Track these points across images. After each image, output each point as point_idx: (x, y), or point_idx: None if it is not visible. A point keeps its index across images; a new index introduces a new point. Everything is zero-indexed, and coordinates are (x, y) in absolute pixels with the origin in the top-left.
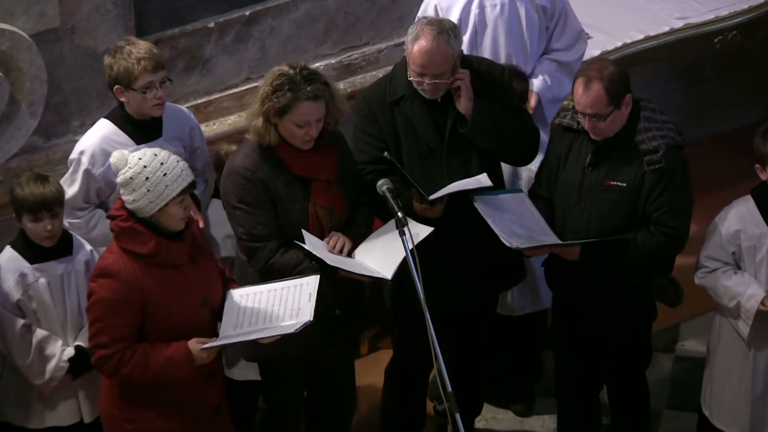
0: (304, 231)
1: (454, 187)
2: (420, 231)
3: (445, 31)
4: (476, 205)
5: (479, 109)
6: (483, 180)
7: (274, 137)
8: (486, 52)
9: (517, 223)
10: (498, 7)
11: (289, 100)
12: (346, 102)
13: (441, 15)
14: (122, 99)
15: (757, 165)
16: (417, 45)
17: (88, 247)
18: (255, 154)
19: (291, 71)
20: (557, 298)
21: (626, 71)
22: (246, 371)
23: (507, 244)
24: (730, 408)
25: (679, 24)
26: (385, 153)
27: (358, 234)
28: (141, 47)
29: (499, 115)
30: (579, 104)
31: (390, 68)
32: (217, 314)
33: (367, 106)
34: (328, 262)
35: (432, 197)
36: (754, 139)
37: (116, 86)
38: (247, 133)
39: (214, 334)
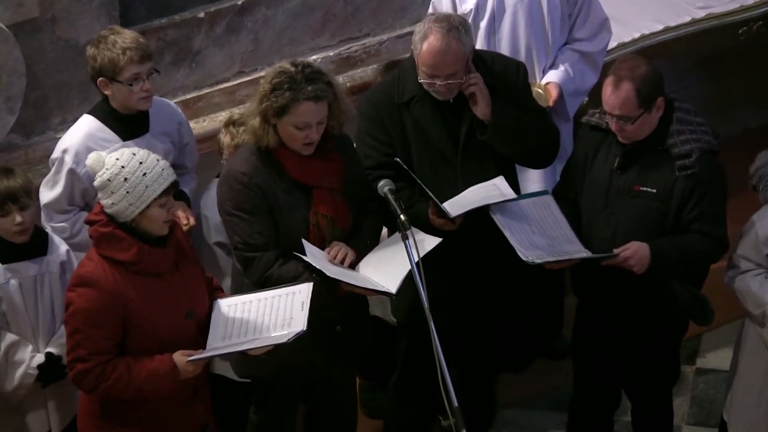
0: (304, 240)
1: (476, 202)
2: (427, 241)
3: (455, 27)
4: (492, 214)
5: (498, 113)
6: (506, 191)
7: (273, 139)
8: (504, 41)
9: (538, 232)
10: None
11: (288, 100)
12: (351, 104)
13: (457, 0)
14: (106, 92)
15: None
16: (426, 44)
17: (65, 247)
18: (253, 157)
19: (292, 69)
20: (581, 310)
21: (660, 72)
22: (222, 363)
23: (523, 258)
24: (747, 421)
25: (701, 14)
26: (396, 158)
27: (362, 245)
28: (126, 36)
29: (519, 117)
30: (607, 104)
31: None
32: (204, 326)
33: (374, 108)
34: (328, 275)
35: (455, 214)
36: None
37: (100, 79)
38: (245, 134)
39: (200, 346)
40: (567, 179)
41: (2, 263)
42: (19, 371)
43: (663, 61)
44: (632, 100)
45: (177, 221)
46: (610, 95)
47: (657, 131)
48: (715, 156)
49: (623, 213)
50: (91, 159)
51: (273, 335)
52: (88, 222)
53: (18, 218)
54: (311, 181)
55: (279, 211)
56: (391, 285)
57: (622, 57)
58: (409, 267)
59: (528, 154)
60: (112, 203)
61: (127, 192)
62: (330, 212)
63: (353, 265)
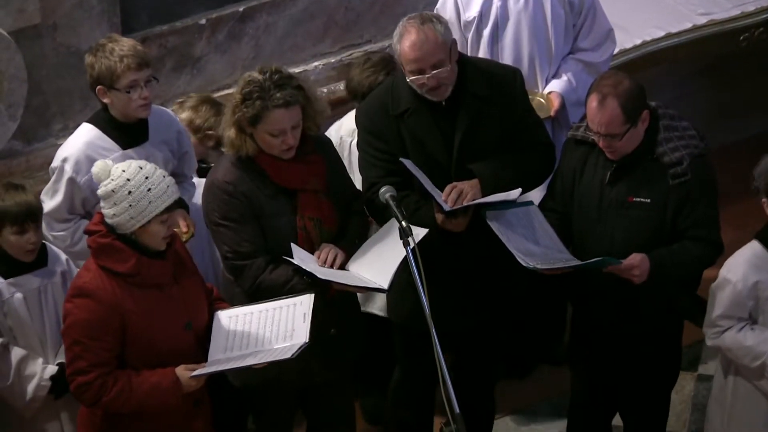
0: (292, 244)
1: (480, 199)
2: (416, 232)
3: (429, 19)
4: (489, 221)
5: (485, 187)
6: (511, 195)
7: (252, 147)
8: (507, 49)
9: (530, 239)
10: (522, 1)
11: (259, 109)
12: (327, 104)
13: (461, 8)
14: (105, 100)
15: (764, 199)
16: (406, 41)
17: (64, 256)
18: (235, 166)
19: (260, 77)
20: (577, 317)
21: (642, 85)
22: None
23: (523, 263)
24: None
25: (703, 20)
26: (401, 159)
27: (350, 245)
28: (124, 44)
29: (511, 171)
30: (593, 123)
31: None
32: (203, 337)
33: (370, 120)
34: (319, 276)
35: (452, 208)
36: (756, 170)
37: (98, 87)
38: (222, 146)
39: (199, 358)
40: (554, 192)
41: (5, 278)
42: (32, 384)
43: (664, 67)
44: (618, 117)
45: (176, 232)
46: (595, 113)
47: (645, 141)
48: (704, 159)
49: (618, 225)
50: (97, 167)
51: (275, 347)
52: (87, 232)
53: (33, 238)
54: (295, 185)
55: (265, 218)
56: (383, 280)
57: (604, 73)
58: (399, 260)
59: (527, 187)
60: (114, 214)
61: (130, 205)
62: (316, 215)
63: (342, 266)
